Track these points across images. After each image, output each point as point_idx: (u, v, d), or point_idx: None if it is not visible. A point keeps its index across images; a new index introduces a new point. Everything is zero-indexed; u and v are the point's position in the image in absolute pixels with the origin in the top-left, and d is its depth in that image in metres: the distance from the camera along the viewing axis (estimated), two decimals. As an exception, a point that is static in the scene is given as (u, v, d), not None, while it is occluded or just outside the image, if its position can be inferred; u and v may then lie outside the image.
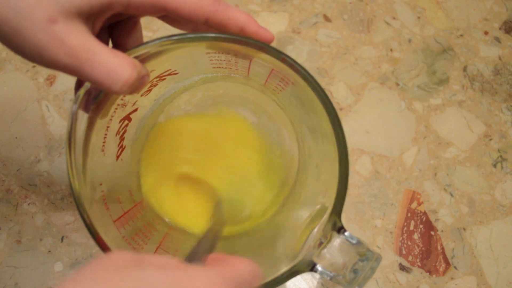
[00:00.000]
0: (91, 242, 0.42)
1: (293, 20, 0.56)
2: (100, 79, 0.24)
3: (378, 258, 0.28)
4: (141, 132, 0.38)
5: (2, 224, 0.42)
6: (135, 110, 0.34)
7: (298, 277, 0.42)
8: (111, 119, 0.31)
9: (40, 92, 0.49)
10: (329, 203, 0.30)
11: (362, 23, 0.57)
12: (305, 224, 0.32)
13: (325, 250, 0.28)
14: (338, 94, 0.52)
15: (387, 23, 0.58)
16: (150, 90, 0.34)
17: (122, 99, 0.31)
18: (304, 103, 0.35)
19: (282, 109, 0.41)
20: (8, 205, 0.43)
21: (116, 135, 0.33)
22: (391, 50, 0.56)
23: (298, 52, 0.54)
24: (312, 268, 0.28)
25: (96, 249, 0.42)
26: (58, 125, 0.47)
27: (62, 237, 0.42)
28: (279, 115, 0.42)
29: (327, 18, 0.57)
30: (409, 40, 0.57)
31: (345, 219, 0.45)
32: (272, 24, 0.56)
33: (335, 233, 0.28)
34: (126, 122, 0.34)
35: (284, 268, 0.28)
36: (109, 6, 0.25)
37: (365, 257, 0.28)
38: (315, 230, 0.30)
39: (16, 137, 0.46)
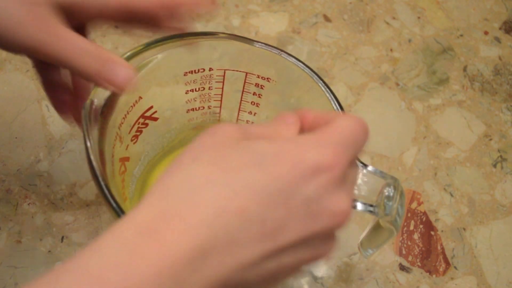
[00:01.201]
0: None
1: (293, 20, 0.56)
2: (70, 56, 0.25)
3: (403, 191, 0.30)
4: (134, 192, 0.40)
5: (2, 224, 0.42)
6: (128, 158, 0.36)
7: (301, 280, 0.42)
8: (113, 147, 0.32)
9: (40, 92, 0.49)
10: None
11: (362, 23, 0.57)
12: None
13: (355, 187, 0.29)
14: (338, 94, 0.52)
15: (387, 23, 0.58)
16: (136, 136, 0.36)
17: (119, 128, 0.32)
18: (285, 90, 0.37)
19: None
20: (8, 205, 0.43)
21: (120, 175, 0.34)
22: (391, 50, 0.56)
23: (298, 52, 0.54)
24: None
25: (96, 249, 0.42)
26: (58, 125, 0.47)
27: (62, 237, 0.42)
28: None
29: (327, 18, 0.57)
30: (409, 40, 0.57)
31: (345, 219, 0.45)
32: (272, 24, 0.56)
33: (359, 169, 0.30)
34: (123, 168, 0.35)
35: None
36: (83, 6, 0.27)
37: (391, 185, 0.29)
38: None
39: (16, 137, 0.46)
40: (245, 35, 0.54)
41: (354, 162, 0.23)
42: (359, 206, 0.29)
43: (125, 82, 0.27)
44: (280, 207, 0.20)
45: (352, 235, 0.45)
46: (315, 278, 0.43)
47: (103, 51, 0.26)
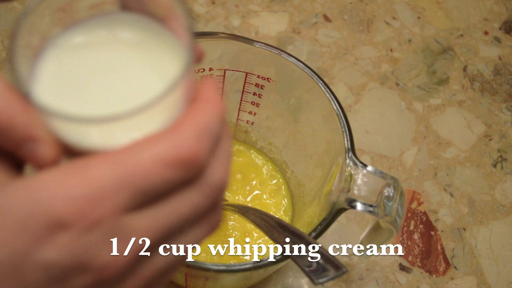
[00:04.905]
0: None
1: (293, 20, 0.56)
2: None
3: (402, 191, 0.30)
4: None
5: (2, 224, 0.42)
6: None
7: (301, 280, 0.42)
8: None
9: (40, 92, 0.49)
10: (339, 155, 0.32)
11: (362, 23, 0.57)
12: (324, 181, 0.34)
13: (355, 187, 0.30)
14: (338, 94, 0.52)
15: (387, 23, 0.58)
16: None
17: None
18: (285, 90, 0.37)
19: (254, 147, 0.44)
20: (8, 205, 0.43)
21: None
22: (391, 50, 0.56)
23: (298, 52, 0.54)
24: (350, 204, 0.30)
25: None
26: (58, 125, 0.47)
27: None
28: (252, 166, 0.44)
29: (327, 18, 0.57)
30: (409, 40, 0.57)
31: (345, 219, 0.46)
32: (272, 24, 0.56)
33: (358, 170, 0.30)
34: None
35: (323, 214, 0.30)
36: None
37: (391, 186, 0.29)
38: (337, 178, 0.31)
39: (16, 137, 0.46)
40: (245, 35, 0.54)
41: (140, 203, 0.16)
42: (359, 206, 0.29)
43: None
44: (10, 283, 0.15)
45: (352, 235, 0.45)
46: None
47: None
